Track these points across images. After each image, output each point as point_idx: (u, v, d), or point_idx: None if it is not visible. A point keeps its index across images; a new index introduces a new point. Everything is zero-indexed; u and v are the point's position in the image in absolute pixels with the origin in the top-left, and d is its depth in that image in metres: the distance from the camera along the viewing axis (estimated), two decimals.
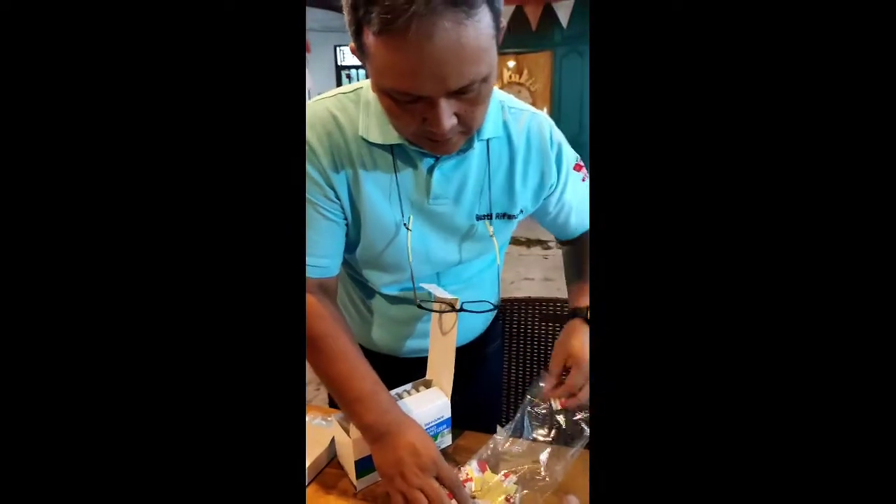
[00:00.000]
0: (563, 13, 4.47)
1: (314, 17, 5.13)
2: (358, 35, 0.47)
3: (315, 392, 2.14)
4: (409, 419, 0.60)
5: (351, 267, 0.72)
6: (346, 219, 0.62)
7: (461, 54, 0.44)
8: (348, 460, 0.66)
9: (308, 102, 0.59)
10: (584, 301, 0.70)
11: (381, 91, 0.49)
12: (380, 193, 0.60)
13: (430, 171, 0.59)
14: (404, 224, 0.60)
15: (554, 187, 0.67)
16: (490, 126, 0.59)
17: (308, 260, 0.60)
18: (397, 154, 0.58)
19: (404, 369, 0.74)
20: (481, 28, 0.44)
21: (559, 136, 0.66)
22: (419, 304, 0.64)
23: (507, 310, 1.05)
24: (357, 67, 7.78)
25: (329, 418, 0.78)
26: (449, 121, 0.48)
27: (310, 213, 0.59)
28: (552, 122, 0.66)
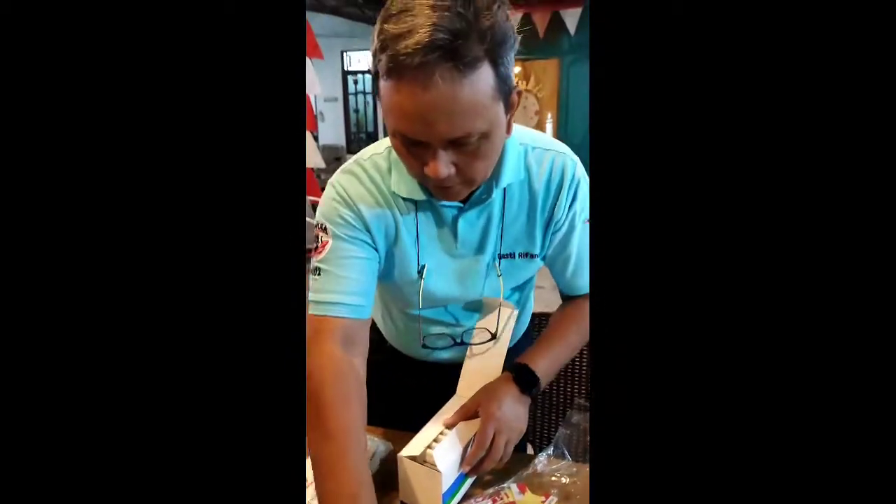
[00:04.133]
0: (571, 21, 4.49)
1: (321, 22, 5.15)
2: (375, 79, 0.51)
3: None
4: None
5: (385, 291, 0.76)
6: (379, 262, 0.64)
7: (453, 107, 0.46)
8: (430, 494, 0.62)
9: (347, 164, 0.65)
10: (530, 360, 0.68)
11: (391, 132, 0.53)
12: (410, 240, 0.64)
13: (455, 221, 0.63)
14: (418, 272, 0.64)
15: (561, 224, 0.66)
16: (509, 174, 0.61)
17: (336, 297, 0.60)
18: (421, 207, 0.63)
19: (432, 374, 0.77)
20: (479, 86, 0.47)
21: (581, 176, 0.65)
22: (424, 343, 0.69)
23: (538, 325, 1.05)
24: (364, 72, 7.80)
25: (372, 437, 0.78)
26: (445, 169, 0.51)
27: (340, 252, 0.60)
28: (578, 162, 0.66)
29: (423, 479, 0.63)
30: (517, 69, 5.17)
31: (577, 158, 0.65)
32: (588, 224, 0.67)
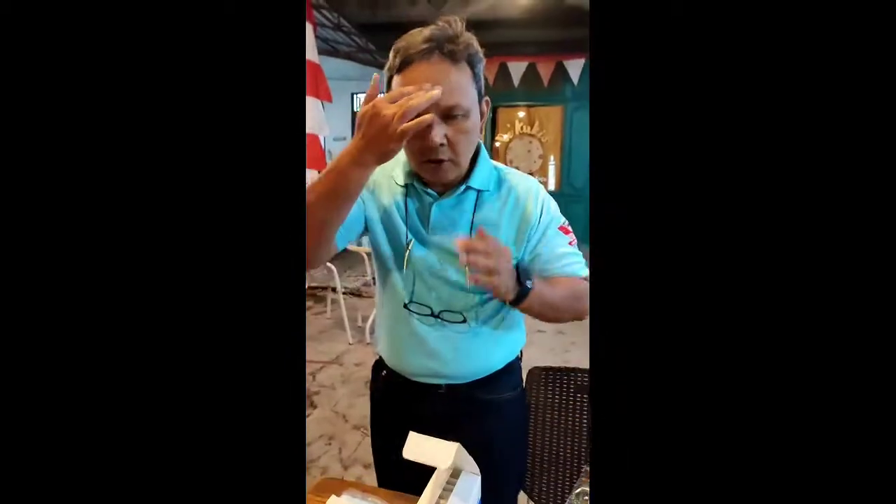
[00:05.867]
0: (574, 70, 4.65)
1: (332, 66, 5.34)
2: (389, 82, 0.72)
3: (326, 447, 2.08)
4: None
5: (382, 284, 0.87)
6: (364, 211, 0.81)
7: (445, 80, 0.67)
8: None
9: None
10: (537, 281, 0.74)
11: None
12: (398, 217, 0.81)
13: (430, 207, 0.79)
14: (406, 243, 0.80)
15: (531, 235, 0.79)
16: (478, 178, 0.78)
17: None
18: (410, 193, 0.81)
19: (424, 395, 0.85)
20: (462, 74, 0.69)
21: (546, 197, 0.82)
22: (405, 304, 0.82)
23: (540, 379, 1.03)
24: None
25: (370, 498, 0.76)
26: (438, 135, 0.69)
27: None
28: (541, 188, 0.82)
29: None
30: (522, 114, 5.32)
31: (539, 185, 0.83)
32: (561, 231, 0.81)
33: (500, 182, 0.81)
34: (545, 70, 4.73)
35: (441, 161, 0.72)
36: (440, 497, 0.66)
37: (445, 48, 0.67)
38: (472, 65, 0.70)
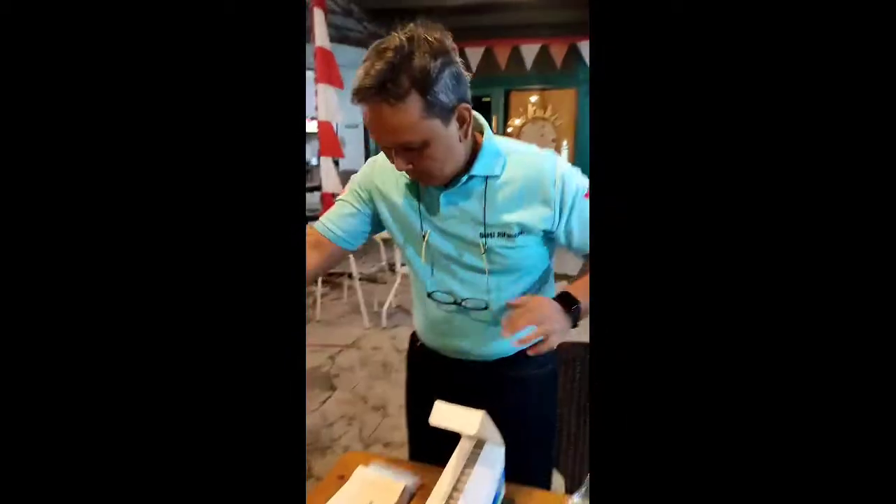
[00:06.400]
0: (588, 52, 4.57)
1: (346, 54, 5.32)
2: None
3: (347, 427, 2.14)
4: None
5: (409, 271, 0.92)
6: (370, 215, 0.89)
7: (387, 125, 0.68)
8: None
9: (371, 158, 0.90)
10: (576, 292, 0.77)
11: None
12: (411, 211, 0.85)
13: (439, 199, 0.81)
14: (422, 234, 0.84)
15: (559, 213, 0.79)
16: (479, 168, 0.78)
17: (321, 219, 0.89)
18: (417, 188, 0.84)
19: (454, 368, 0.90)
20: (408, 111, 0.66)
21: (565, 169, 0.79)
22: (429, 293, 0.87)
23: (573, 356, 1.05)
24: None
25: (402, 471, 0.79)
26: (401, 165, 0.72)
27: (340, 205, 0.90)
28: (559, 159, 0.80)
29: None
30: (534, 98, 5.27)
31: (557, 156, 0.81)
32: (585, 198, 0.79)
33: (508, 165, 0.80)
34: (558, 52, 4.67)
35: (416, 176, 0.76)
36: (465, 466, 0.70)
37: (385, 90, 0.64)
38: (423, 91, 0.66)
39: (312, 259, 0.86)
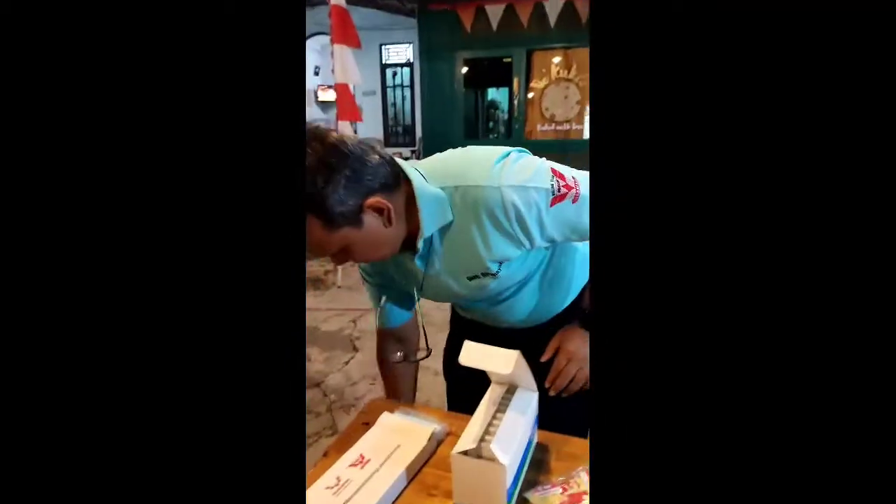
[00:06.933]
0: None
1: (362, 14, 5.19)
2: None
3: (370, 386, 2.16)
4: None
5: None
6: (389, 287, 0.89)
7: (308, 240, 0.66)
8: (493, 491, 0.58)
9: None
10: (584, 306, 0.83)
11: None
12: (399, 277, 0.85)
13: (414, 262, 0.78)
14: (417, 297, 0.86)
15: (526, 240, 0.73)
16: (429, 226, 0.72)
17: (377, 316, 0.93)
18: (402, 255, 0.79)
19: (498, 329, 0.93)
20: (312, 231, 0.64)
21: (513, 197, 0.69)
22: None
23: None
24: (401, 66, 7.83)
25: (429, 417, 0.77)
26: (340, 263, 0.74)
27: (368, 289, 0.93)
28: (503, 183, 0.69)
29: (482, 475, 0.58)
30: (557, 59, 5.07)
31: (502, 175, 0.69)
32: (553, 205, 0.71)
33: (455, 204, 0.72)
34: (583, 7, 4.44)
35: (365, 262, 0.81)
36: (497, 410, 0.66)
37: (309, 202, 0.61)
38: (315, 212, 0.62)
39: (385, 343, 0.95)
